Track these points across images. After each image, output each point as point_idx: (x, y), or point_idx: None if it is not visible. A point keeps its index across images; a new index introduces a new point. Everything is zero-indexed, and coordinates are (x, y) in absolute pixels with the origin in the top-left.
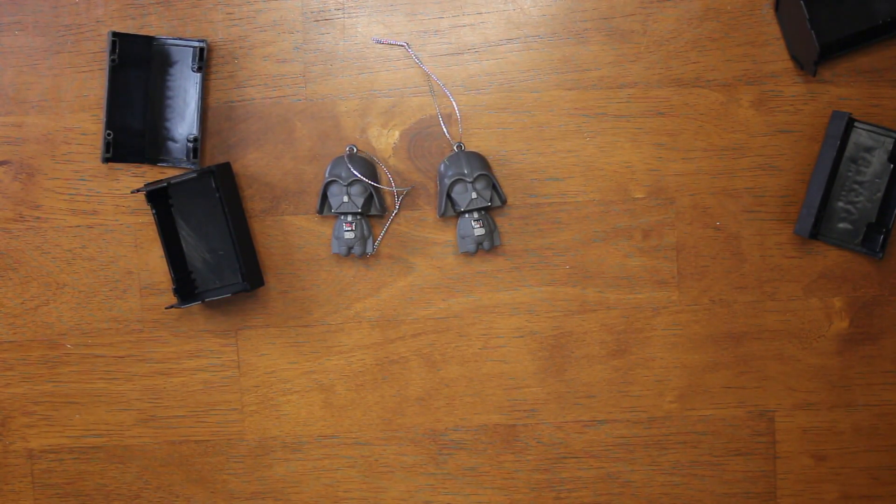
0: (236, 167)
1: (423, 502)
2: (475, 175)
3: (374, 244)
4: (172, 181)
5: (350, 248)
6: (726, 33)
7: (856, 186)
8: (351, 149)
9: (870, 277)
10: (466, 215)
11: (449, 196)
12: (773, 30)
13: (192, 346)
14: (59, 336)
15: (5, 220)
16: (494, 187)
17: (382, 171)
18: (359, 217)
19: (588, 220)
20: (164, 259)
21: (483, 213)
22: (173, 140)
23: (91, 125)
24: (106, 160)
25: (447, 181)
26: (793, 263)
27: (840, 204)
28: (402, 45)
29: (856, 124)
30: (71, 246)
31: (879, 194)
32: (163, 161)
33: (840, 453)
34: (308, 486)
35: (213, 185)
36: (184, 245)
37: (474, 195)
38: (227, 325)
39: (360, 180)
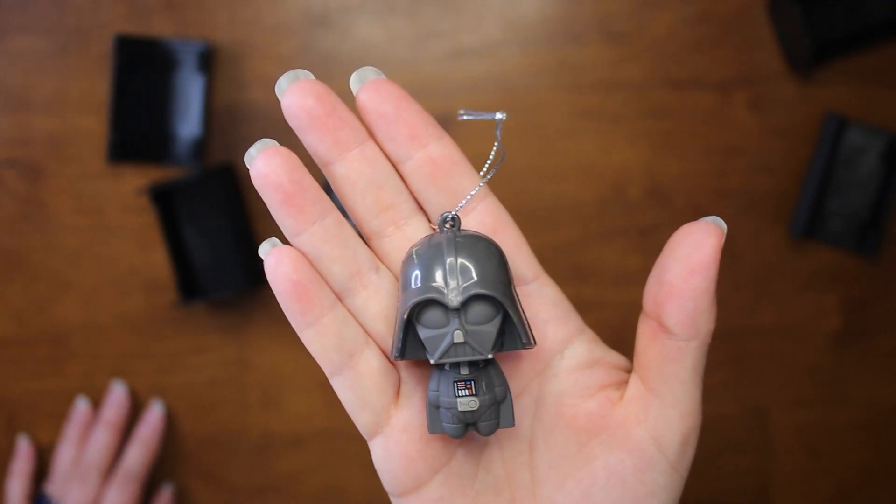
0: (239, 168)
1: None
2: (467, 294)
3: None
4: (177, 181)
5: None
6: (721, 36)
7: (849, 187)
8: None
9: (863, 276)
10: (447, 368)
11: (413, 325)
12: (768, 32)
13: (196, 344)
14: (64, 333)
15: (12, 219)
16: (508, 317)
17: None
18: None
19: (585, 220)
20: (169, 258)
21: (482, 366)
22: (178, 141)
23: (97, 126)
24: (111, 160)
25: (408, 301)
26: (787, 262)
27: (833, 204)
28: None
29: (849, 125)
30: (76, 245)
31: (872, 194)
32: (167, 162)
33: (834, 449)
34: (310, 480)
35: (217, 185)
36: (188, 244)
37: (459, 336)
38: (230, 323)
39: None
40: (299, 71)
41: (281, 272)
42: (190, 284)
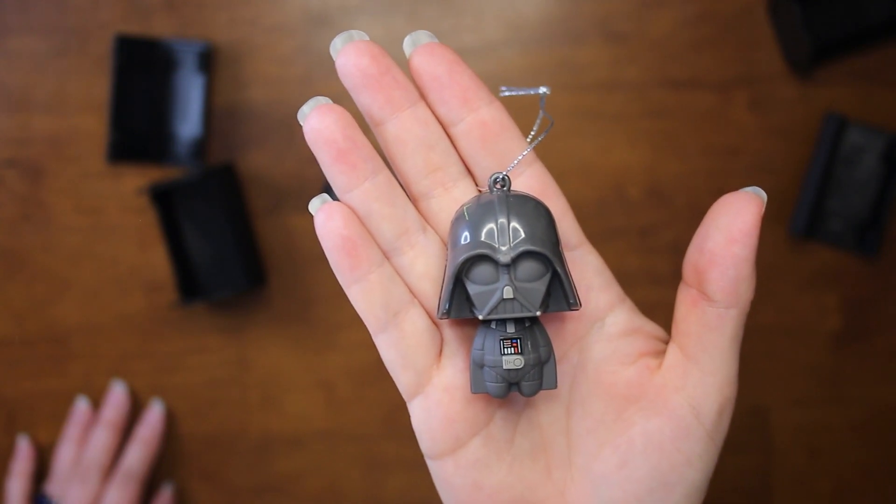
0: (239, 167)
1: (423, 496)
2: (517, 251)
3: None
4: (177, 181)
5: None
6: (721, 36)
7: (849, 186)
8: None
9: (863, 276)
10: (493, 326)
11: (461, 282)
12: (768, 32)
13: (196, 344)
14: (64, 333)
15: (12, 219)
16: (557, 276)
17: None
18: None
19: (586, 220)
20: (169, 258)
21: (527, 325)
22: (178, 141)
23: (96, 126)
24: (111, 160)
25: (459, 257)
26: (787, 263)
27: (834, 204)
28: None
29: (849, 125)
30: (76, 245)
31: (872, 194)
32: (167, 161)
33: (833, 448)
34: (310, 480)
35: (217, 185)
36: (188, 244)
37: (509, 292)
38: (230, 323)
39: None
40: (353, 31)
41: (331, 227)
42: (190, 284)
